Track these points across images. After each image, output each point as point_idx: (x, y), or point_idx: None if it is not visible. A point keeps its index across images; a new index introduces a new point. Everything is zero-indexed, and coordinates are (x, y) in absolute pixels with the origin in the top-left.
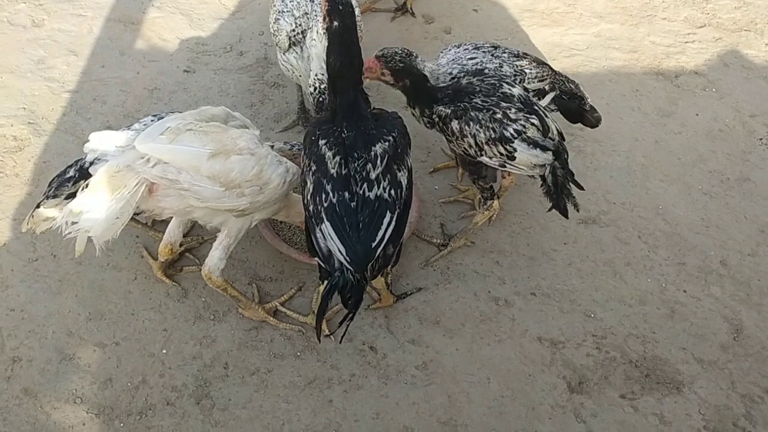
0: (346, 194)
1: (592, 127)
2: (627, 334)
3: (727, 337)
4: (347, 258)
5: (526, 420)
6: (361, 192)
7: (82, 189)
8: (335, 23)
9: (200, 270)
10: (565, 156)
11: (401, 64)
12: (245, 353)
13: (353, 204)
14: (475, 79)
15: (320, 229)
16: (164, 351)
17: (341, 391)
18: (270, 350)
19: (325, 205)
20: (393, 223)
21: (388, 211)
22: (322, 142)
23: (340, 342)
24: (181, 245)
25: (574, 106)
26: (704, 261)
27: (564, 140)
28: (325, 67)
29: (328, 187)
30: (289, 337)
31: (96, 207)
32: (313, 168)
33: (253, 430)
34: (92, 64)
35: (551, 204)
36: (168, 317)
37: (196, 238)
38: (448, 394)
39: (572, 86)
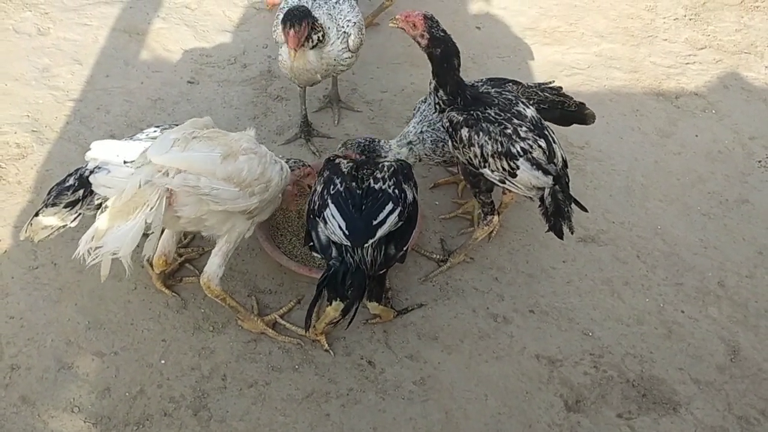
0: (354, 184)
1: (587, 124)
2: (624, 353)
3: (724, 359)
4: (346, 231)
5: None
6: (366, 185)
7: (101, 211)
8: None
9: (200, 280)
10: (566, 181)
11: (442, 33)
12: (243, 365)
13: (359, 192)
14: (493, 90)
15: (323, 217)
16: (163, 361)
17: (339, 405)
18: (268, 363)
19: (332, 192)
20: (395, 214)
21: (391, 202)
22: (338, 160)
23: (347, 327)
24: (180, 256)
25: (557, 113)
26: (702, 282)
27: (567, 167)
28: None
29: (338, 180)
30: (288, 350)
31: (121, 227)
32: (326, 174)
33: None
34: (97, 74)
35: (548, 225)
36: (167, 328)
37: (197, 249)
38: (446, 410)
39: (547, 94)
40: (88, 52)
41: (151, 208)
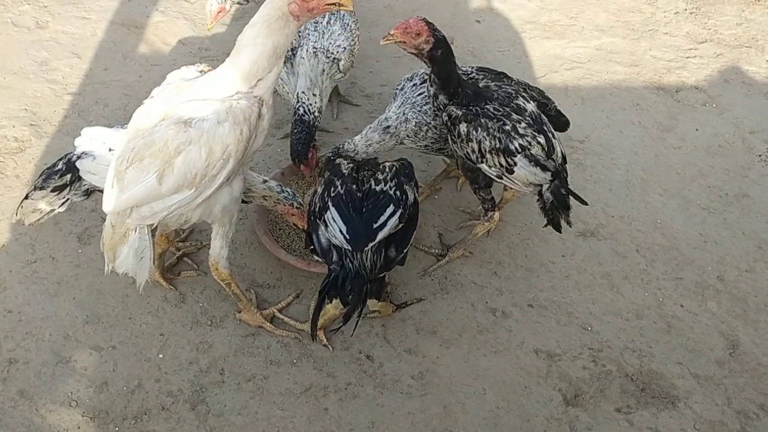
0: (354, 186)
1: (561, 131)
2: (623, 347)
3: (723, 353)
4: (346, 236)
5: None
6: (367, 186)
7: (102, 244)
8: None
9: (198, 275)
10: (565, 175)
11: (441, 33)
12: (242, 359)
13: (359, 194)
14: (493, 84)
15: (324, 220)
16: (161, 356)
17: (337, 400)
18: (266, 357)
19: (333, 195)
20: (396, 217)
21: (392, 204)
22: (339, 160)
23: (352, 333)
24: (178, 249)
25: None
26: (702, 276)
27: (566, 163)
28: (309, 85)
29: (338, 182)
30: (286, 344)
31: (122, 252)
32: (327, 174)
33: None
34: (95, 67)
35: (546, 219)
36: (165, 322)
37: (195, 243)
38: (444, 404)
39: (533, 93)
40: (86, 45)
41: (136, 236)
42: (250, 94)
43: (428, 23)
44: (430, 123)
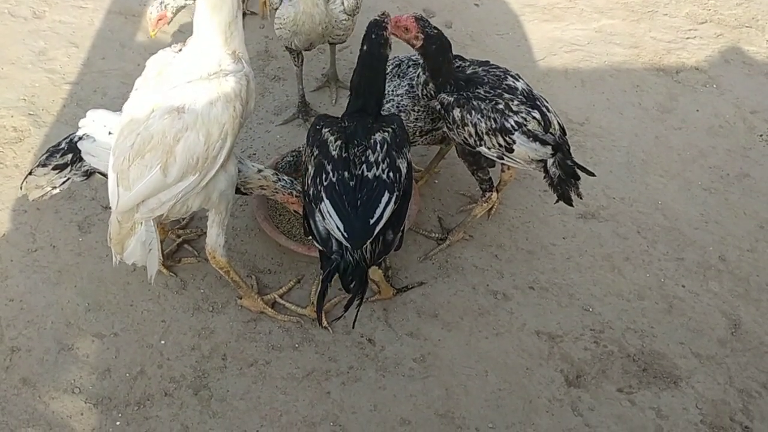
0: (346, 174)
1: None
2: (625, 328)
3: (725, 333)
4: (345, 234)
5: (524, 413)
6: (359, 172)
7: (109, 239)
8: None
9: (199, 261)
10: (567, 148)
11: (435, 30)
12: (243, 345)
13: (352, 183)
14: (480, 69)
15: (319, 209)
16: (163, 342)
17: (339, 383)
18: (268, 342)
19: (325, 184)
20: (391, 204)
21: (386, 191)
22: (325, 129)
23: (353, 326)
24: (179, 236)
25: None
26: (703, 256)
27: (566, 135)
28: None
29: (329, 167)
30: (288, 329)
31: (130, 244)
32: (316, 152)
33: (251, 421)
34: (93, 56)
35: (556, 195)
36: (167, 308)
37: (195, 230)
38: (446, 386)
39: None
40: (83, 34)
41: (144, 229)
42: (228, 54)
43: (419, 20)
44: (410, 109)
